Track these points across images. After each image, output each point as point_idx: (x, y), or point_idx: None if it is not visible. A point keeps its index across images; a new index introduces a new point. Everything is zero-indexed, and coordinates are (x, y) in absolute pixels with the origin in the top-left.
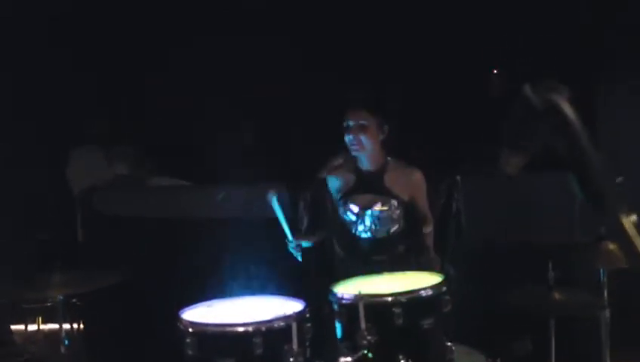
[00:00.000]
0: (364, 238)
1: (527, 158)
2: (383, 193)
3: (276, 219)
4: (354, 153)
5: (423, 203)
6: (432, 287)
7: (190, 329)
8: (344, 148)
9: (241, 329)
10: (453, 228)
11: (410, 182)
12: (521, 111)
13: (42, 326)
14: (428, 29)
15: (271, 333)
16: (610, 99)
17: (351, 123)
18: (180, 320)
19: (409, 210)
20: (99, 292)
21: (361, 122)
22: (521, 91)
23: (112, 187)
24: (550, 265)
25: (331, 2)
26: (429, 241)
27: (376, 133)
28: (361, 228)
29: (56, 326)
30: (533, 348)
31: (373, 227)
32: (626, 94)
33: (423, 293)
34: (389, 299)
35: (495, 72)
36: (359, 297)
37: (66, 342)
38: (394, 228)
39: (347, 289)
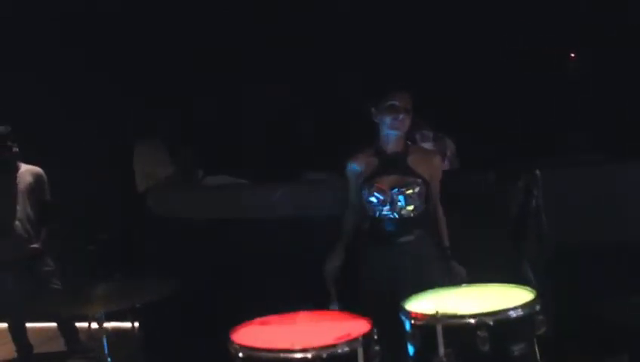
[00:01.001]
0: (389, 219)
1: None
2: (408, 173)
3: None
4: (391, 131)
5: (437, 187)
6: (523, 306)
7: (240, 354)
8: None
9: (299, 355)
10: (533, 230)
11: (432, 165)
12: None
13: (105, 324)
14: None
15: (334, 360)
16: None
17: (397, 103)
18: (231, 342)
19: (429, 190)
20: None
21: (407, 103)
22: None
23: (169, 186)
24: None
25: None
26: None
27: (411, 118)
28: (386, 209)
29: (119, 324)
30: None
31: (399, 207)
32: None
33: (513, 314)
34: (473, 320)
35: (572, 55)
36: (437, 318)
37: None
38: (419, 208)
39: (421, 305)
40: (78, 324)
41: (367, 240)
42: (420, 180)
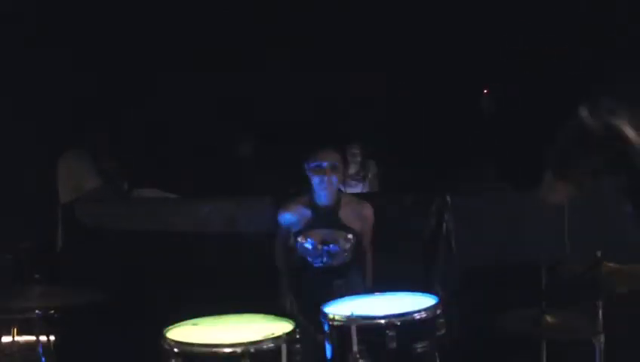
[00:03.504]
0: (320, 266)
1: (577, 187)
2: (339, 228)
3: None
4: (321, 192)
5: (368, 236)
6: (426, 310)
7: (175, 350)
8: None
9: (228, 349)
10: (443, 250)
11: (361, 216)
12: (575, 136)
13: (17, 338)
14: (418, 45)
15: (260, 355)
16: None
17: (324, 164)
18: (165, 338)
19: (359, 240)
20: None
21: (334, 163)
22: (578, 114)
23: (95, 197)
24: (543, 287)
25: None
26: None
27: (343, 172)
28: (317, 259)
29: (31, 338)
30: None
31: (329, 260)
32: None
33: (417, 316)
34: (383, 321)
35: (485, 91)
36: (352, 319)
37: (43, 358)
38: (347, 258)
39: (339, 309)
40: None
41: (299, 276)
42: (350, 235)
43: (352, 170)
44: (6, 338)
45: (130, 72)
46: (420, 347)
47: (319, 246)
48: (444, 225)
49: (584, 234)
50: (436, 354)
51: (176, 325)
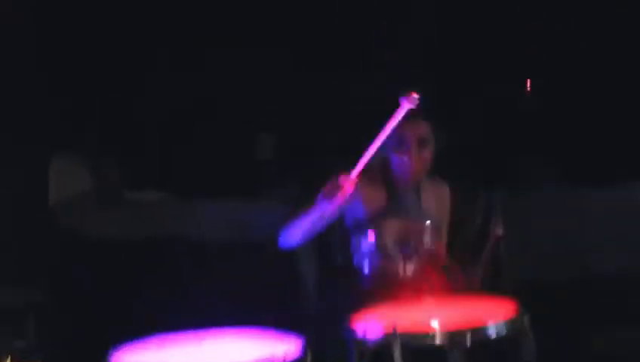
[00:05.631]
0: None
1: None
2: (422, 216)
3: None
4: (404, 174)
5: (446, 226)
6: (507, 322)
7: None
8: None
9: None
10: (489, 260)
11: (442, 200)
12: None
13: None
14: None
15: None
16: None
17: (411, 137)
18: None
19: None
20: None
21: (423, 136)
22: None
23: (90, 199)
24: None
25: None
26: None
27: (432, 150)
28: (379, 265)
29: None
30: None
31: (404, 267)
32: None
33: (493, 331)
34: (441, 338)
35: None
36: (394, 336)
37: None
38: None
39: (372, 321)
40: None
41: (336, 277)
42: (431, 224)
43: None
44: None
45: (131, 66)
46: None
47: (396, 245)
48: (492, 227)
49: None
50: None
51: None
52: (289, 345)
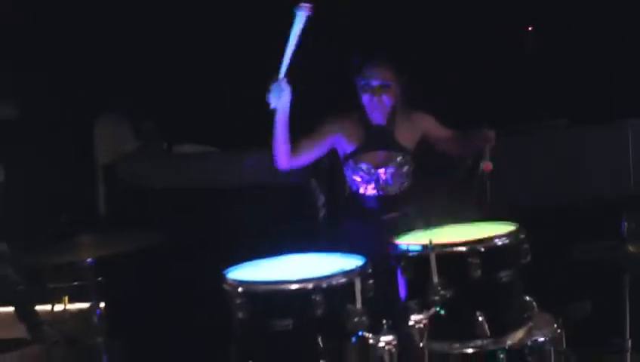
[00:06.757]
0: (373, 197)
1: None
2: (396, 148)
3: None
4: (371, 112)
5: (442, 134)
6: (509, 235)
7: (239, 289)
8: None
9: (298, 286)
10: (476, 192)
11: (417, 128)
12: None
13: (69, 306)
14: None
15: (332, 291)
16: None
17: (373, 82)
18: (226, 280)
19: (419, 160)
20: (127, 259)
21: (385, 82)
22: None
23: (135, 158)
24: (624, 216)
25: None
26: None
27: (397, 92)
28: (370, 186)
29: (82, 305)
30: (599, 308)
31: (385, 185)
32: None
33: (501, 241)
34: (465, 248)
35: (530, 29)
36: (430, 248)
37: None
38: (405, 184)
39: (414, 239)
40: (38, 308)
41: (344, 213)
42: (408, 156)
43: None
44: (58, 307)
45: (166, 30)
46: (504, 276)
47: (373, 171)
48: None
49: None
50: (522, 283)
51: (236, 266)
52: (353, 260)
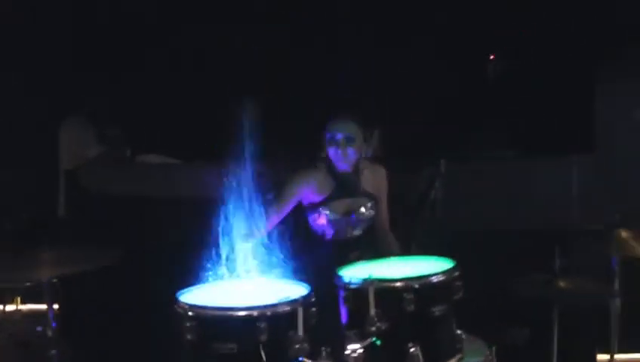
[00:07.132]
0: (339, 239)
1: None
2: (361, 195)
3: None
4: (337, 163)
5: (385, 200)
6: (444, 273)
7: (190, 313)
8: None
9: (244, 313)
10: (425, 217)
11: (377, 180)
12: None
13: (21, 307)
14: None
15: (276, 318)
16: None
17: (339, 136)
18: (178, 302)
19: (378, 207)
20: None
21: (349, 135)
22: None
23: (98, 164)
24: (557, 252)
25: None
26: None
27: (361, 144)
28: (331, 232)
29: (34, 306)
30: (532, 337)
31: (350, 231)
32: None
33: (435, 279)
34: (401, 284)
35: (492, 57)
36: (369, 282)
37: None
38: (366, 228)
39: (355, 272)
40: None
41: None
42: (371, 203)
43: None
44: (10, 307)
45: (133, 33)
46: (437, 310)
47: (343, 218)
48: (433, 193)
49: (595, 201)
50: (453, 317)
51: (188, 289)
52: (298, 288)
